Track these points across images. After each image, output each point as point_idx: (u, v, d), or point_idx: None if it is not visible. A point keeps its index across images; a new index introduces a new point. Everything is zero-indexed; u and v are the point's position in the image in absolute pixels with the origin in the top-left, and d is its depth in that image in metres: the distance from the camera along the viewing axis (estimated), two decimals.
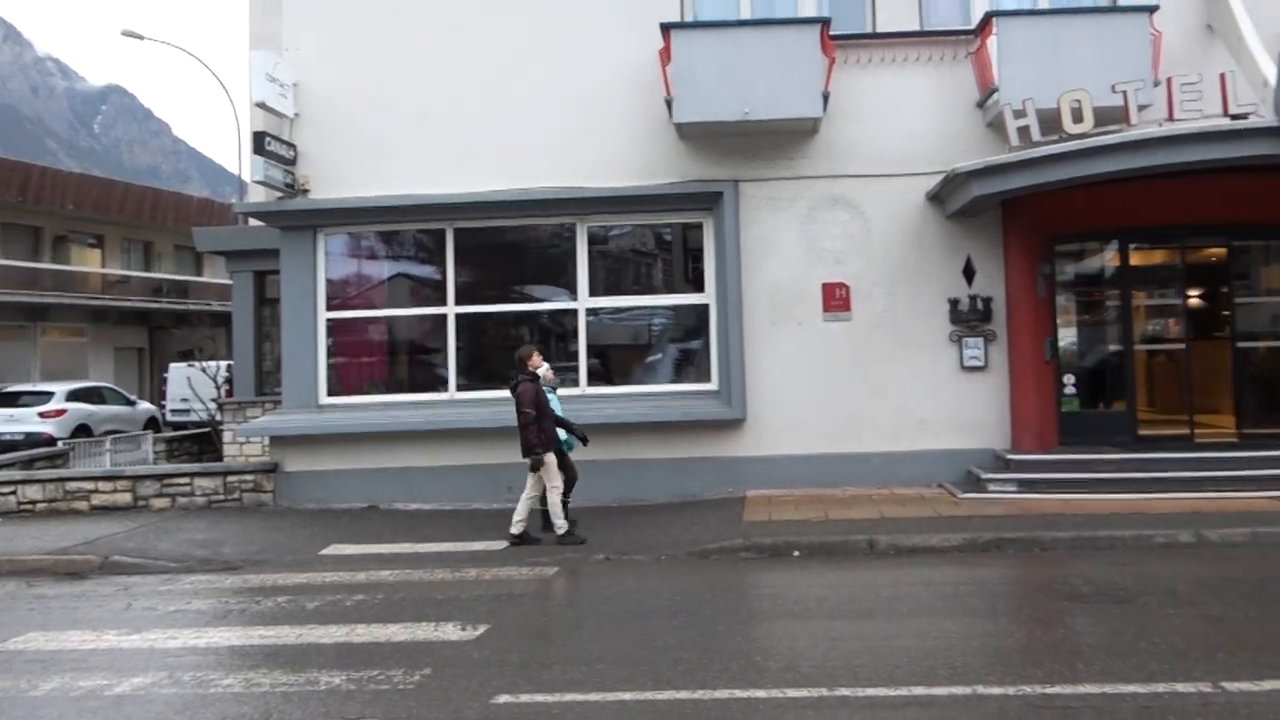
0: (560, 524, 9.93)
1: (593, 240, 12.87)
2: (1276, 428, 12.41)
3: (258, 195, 13.35)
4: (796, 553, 9.25)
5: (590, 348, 12.69)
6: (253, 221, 16.24)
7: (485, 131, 12.49)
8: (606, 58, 12.44)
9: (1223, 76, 10.64)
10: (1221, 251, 13.06)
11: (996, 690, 5.33)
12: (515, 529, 9.98)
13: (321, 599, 8.00)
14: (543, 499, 10.10)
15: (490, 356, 12.94)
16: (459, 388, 12.76)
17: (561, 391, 11.00)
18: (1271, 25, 11.93)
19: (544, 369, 10.22)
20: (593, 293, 12.75)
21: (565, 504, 10.14)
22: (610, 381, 12.87)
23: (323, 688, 5.73)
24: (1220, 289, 13.10)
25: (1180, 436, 12.43)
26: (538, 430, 9.78)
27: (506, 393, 10.23)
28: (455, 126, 12.56)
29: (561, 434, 10.25)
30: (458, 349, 12.81)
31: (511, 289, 13.04)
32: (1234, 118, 10.50)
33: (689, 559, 9.23)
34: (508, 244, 13.05)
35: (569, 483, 10.34)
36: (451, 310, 12.81)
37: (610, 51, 12.44)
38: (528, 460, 9.87)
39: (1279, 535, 9.11)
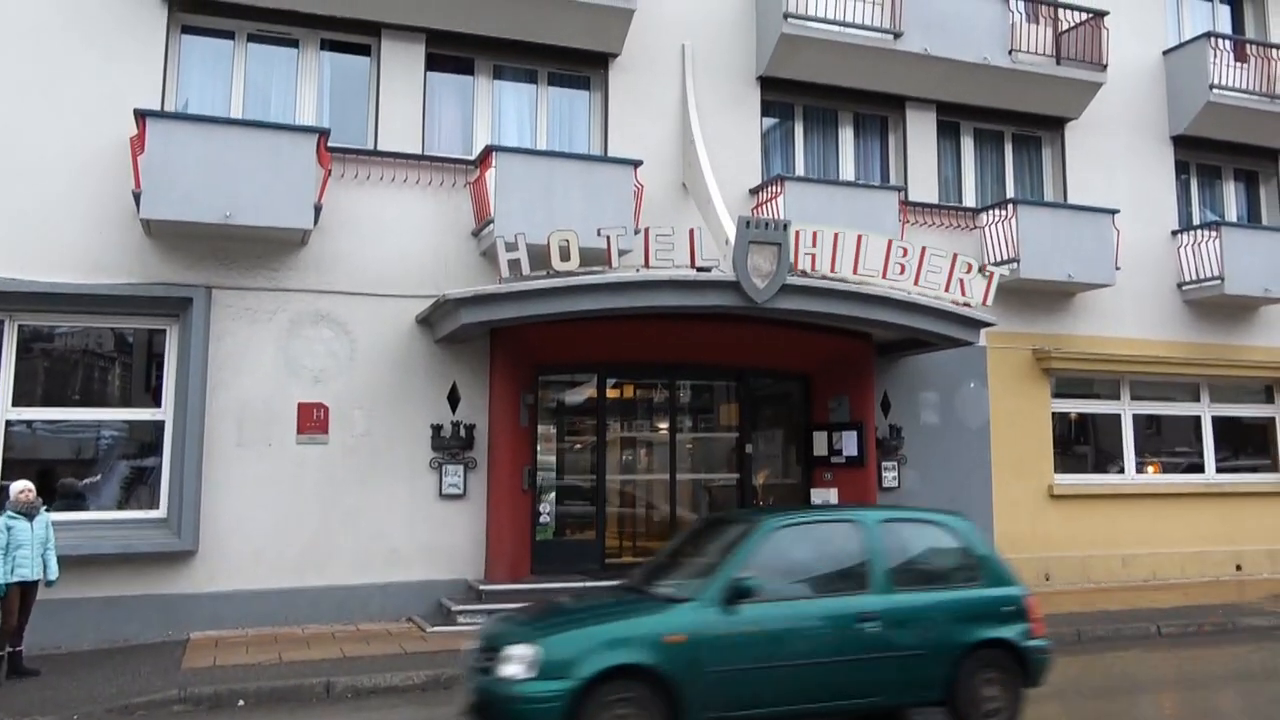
0: None
1: (34, 338, 11.14)
2: None
3: None
4: (241, 702, 8.36)
5: (13, 464, 10.70)
6: None
7: None
8: (68, 138, 10.96)
9: (691, 232, 11.49)
10: (689, 389, 14.25)
11: None
12: None
13: None
14: None
15: None
16: None
17: None
18: (735, 189, 13.46)
19: (18, 487, 9.11)
20: (23, 400, 10.92)
21: (19, 653, 8.94)
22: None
23: None
24: (686, 424, 14.23)
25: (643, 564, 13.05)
26: None
27: None
28: None
29: (54, 568, 9.15)
30: None
31: None
32: (700, 270, 11.38)
33: (109, 717, 7.92)
34: None
35: (20, 629, 9.02)
36: None
37: (74, 131, 10.99)
38: None
39: None
